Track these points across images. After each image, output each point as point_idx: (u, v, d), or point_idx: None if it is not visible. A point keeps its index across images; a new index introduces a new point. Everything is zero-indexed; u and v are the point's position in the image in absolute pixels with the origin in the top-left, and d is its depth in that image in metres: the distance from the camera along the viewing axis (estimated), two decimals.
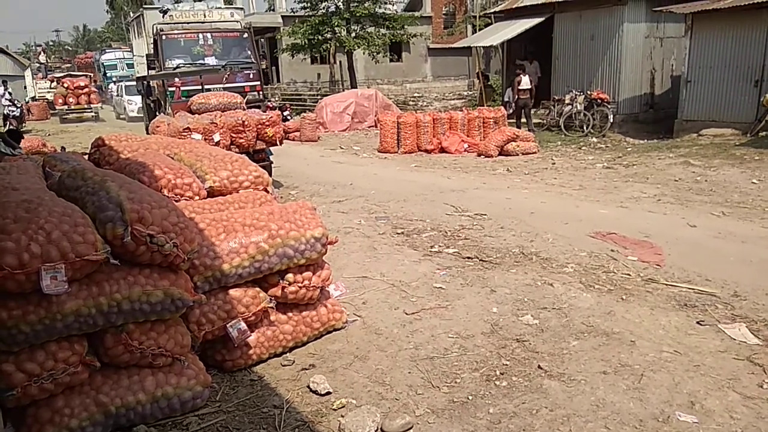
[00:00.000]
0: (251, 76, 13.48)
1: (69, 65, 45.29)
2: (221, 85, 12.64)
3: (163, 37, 12.80)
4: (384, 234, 6.34)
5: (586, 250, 5.54)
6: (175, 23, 13.84)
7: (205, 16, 14.23)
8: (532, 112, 15.60)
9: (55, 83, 26.44)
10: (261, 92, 13.96)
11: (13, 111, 19.45)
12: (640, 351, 3.61)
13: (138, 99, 19.15)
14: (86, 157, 4.97)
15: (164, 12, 14.30)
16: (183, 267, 3.10)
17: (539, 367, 3.46)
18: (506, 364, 3.52)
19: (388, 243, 6.00)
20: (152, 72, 13.21)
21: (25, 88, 29.11)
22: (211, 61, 13.13)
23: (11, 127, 18.76)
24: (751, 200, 7.49)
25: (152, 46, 13.45)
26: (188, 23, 14.03)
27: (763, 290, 4.50)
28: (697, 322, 4.00)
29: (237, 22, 15.01)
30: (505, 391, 3.23)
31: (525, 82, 14.78)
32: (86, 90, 25.02)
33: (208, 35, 13.46)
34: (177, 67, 12.40)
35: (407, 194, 8.27)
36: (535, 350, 3.68)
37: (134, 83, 19.89)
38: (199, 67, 12.52)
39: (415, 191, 8.49)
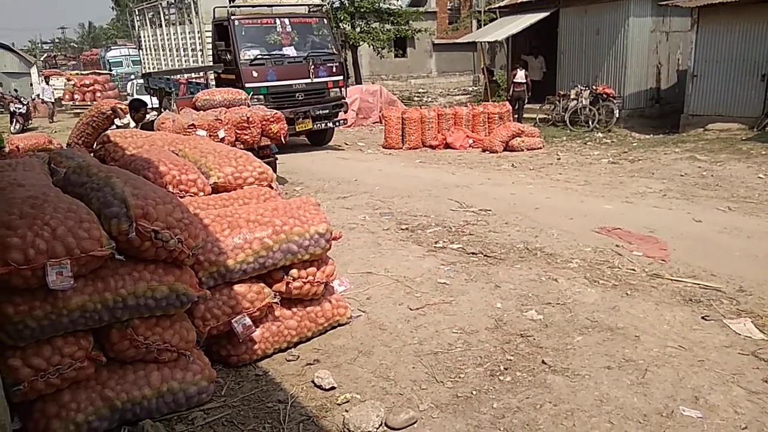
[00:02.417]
0: (334, 69, 12.04)
1: (74, 62, 45.41)
2: (305, 81, 11.51)
3: (236, 23, 11.17)
4: (388, 230, 6.34)
5: (591, 246, 5.53)
6: (247, 6, 11.96)
7: None
8: (538, 107, 15.61)
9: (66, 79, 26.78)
10: (344, 89, 12.49)
11: (19, 108, 19.53)
12: (645, 346, 3.60)
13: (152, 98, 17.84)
14: (92, 153, 4.99)
15: None
16: (188, 263, 3.12)
17: (543, 362, 3.47)
18: (510, 359, 3.52)
19: (393, 239, 6.00)
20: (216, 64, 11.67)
21: (31, 85, 29.19)
22: (289, 51, 11.58)
23: (18, 125, 18.89)
24: (758, 195, 7.45)
25: (213, 34, 11.89)
26: (261, 6, 12.15)
27: None
28: (702, 317, 3.99)
29: (316, 6, 13.13)
30: (509, 386, 3.24)
31: (520, 75, 15.14)
32: (92, 87, 26.04)
33: (286, 21, 11.69)
34: (255, 59, 11.12)
35: (412, 190, 8.26)
36: (540, 345, 3.68)
37: (141, 82, 18.91)
38: (280, 59, 11.34)
39: (420, 187, 8.48)
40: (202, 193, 4.07)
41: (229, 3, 11.90)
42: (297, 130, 11.57)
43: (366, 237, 6.07)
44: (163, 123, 7.49)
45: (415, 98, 23.55)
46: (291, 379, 3.43)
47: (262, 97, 11.01)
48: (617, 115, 13.89)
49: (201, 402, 3.12)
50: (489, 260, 5.25)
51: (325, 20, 12.38)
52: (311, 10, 12.79)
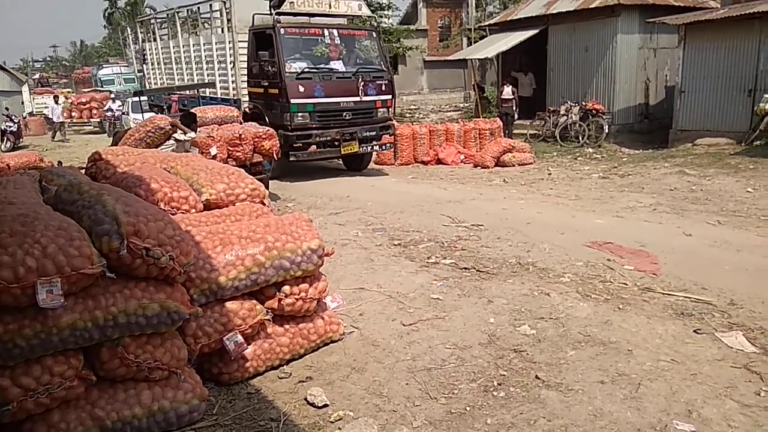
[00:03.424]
0: (383, 87, 10.97)
1: (66, 80, 45.43)
2: (354, 99, 10.48)
3: (281, 31, 10.07)
4: (381, 245, 6.34)
5: (583, 260, 5.55)
6: (292, 12, 10.65)
7: (330, 7, 10.97)
8: (528, 123, 15.77)
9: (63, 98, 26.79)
10: (391, 108, 11.44)
11: (10, 126, 19.49)
12: (638, 360, 3.61)
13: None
14: (83, 171, 4.98)
15: None
16: (179, 280, 3.10)
17: (537, 377, 3.46)
18: (504, 375, 3.51)
19: (385, 254, 6.00)
20: (254, 81, 10.78)
21: (22, 103, 29.13)
22: (338, 65, 10.54)
23: (9, 143, 18.81)
24: (746, 209, 7.52)
25: (250, 43, 10.92)
26: (306, 15, 11.00)
27: (759, 298, 4.51)
28: (694, 331, 4.00)
29: (368, 17, 12.21)
30: (503, 402, 3.23)
31: (507, 92, 15.58)
32: (88, 105, 26.57)
33: (335, 32, 10.64)
34: (302, 73, 10.08)
35: (404, 205, 8.28)
36: (533, 360, 3.67)
37: (142, 100, 17.67)
38: (328, 73, 10.33)
39: (412, 202, 8.51)
40: (194, 210, 4.06)
41: (271, 10, 10.57)
42: (342, 152, 10.92)
43: (358, 253, 6.07)
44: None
45: (407, 115, 23.68)
46: (283, 396, 3.40)
47: (307, 114, 10.23)
48: (607, 131, 14.04)
49: (192, 421, 3.08)
50: (481, 275, 5.26)
51: (374, 33, 11.44)
52: (361, 21, 12.03)
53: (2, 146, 18.43)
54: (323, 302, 3.99)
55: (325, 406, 3.25)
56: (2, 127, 19.59)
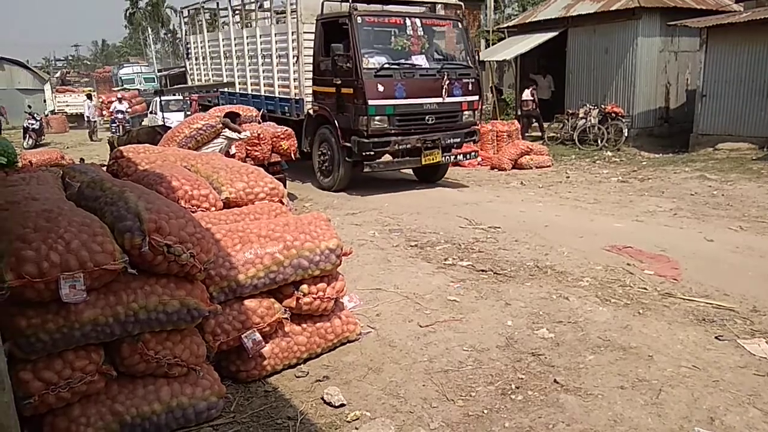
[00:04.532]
0: (470, 87, 9.51)
1: (87, 79, 46.04)
2: (437, 100, 9.09)
3: (358, 20, 8.66)
4: (397, 246, 6.33)
5: (602, 264, 5.49)
6: (368, 0, 9.51)
7: None
8: (547, 126, 15.69)
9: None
10: (477, 111, 10.02)
11: (32, 124, 19.78)
12: (658, 366, 3.56)
13: (177, 116, 15.43)
14: (104, 168, 5.03)
15: None
16: (199, 277, 3.12)
17: (555, 381, 3.43)
18: (522, 378, 3.49)
19: (402, 255, 5.99)
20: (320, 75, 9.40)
21: (45, 101, 29.58)
22: (420, 60, 9.09)
23: (31, 140, 19.10)
24: None
25: (317, 35, 9.53)
26: (384, 2, 9.82)
27: None
28: (716, 337, 3.94)
29: (453, 6, 10.62)
30: (521, 405, 3.20)
31: (526, 94, 15.49)
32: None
33: (418, 22, 9.17)
34: (381, 69, 8.66)
35: (420, 207, 8.26)
36: (551, 364, 3.64)
37: (171, 99, 17.05)
38: (410, 70, 8.91)
39: (429, 204, 8.48)
40: (213, 208, 4.09)
41: None
42: (423, 163, 9.38)
43: (375, 253, 6.06)
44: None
45: None
46: (300, 395, 3.41)
47: (386, 118, 8.77)
48: (626, 134, 13.89)
49: (210, 418, 3.10)
50: (499, 278, 5.23)
51: (459, 24, 9.92)
52: (447, 9, 10.51)
53: (24, 143, 18.71)
54: (340, 302, 4.00)
55: (342, 405, 3.25)
56: (24, 125, 19.90)
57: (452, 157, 9.89)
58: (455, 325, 4.24)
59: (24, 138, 19.43)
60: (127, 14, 60.93)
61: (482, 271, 5.42)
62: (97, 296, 2.73)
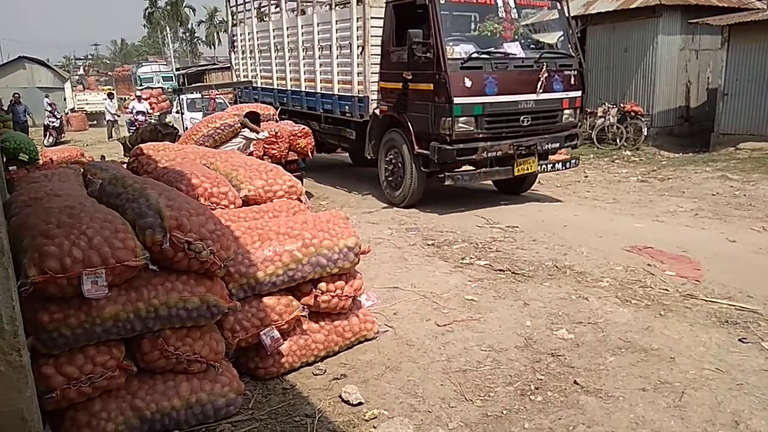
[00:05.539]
0: (572, 81, 7.96)
1: (107, 78, 46.57)
2: (532, 96, 7.55)
3: (441, 1, 7.24)
4: (414, 245, 6.31)
5: (622, 264, 5.43)
6: None
7: None
8: None
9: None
10: (579, 109, 8.38)
11: (53, 122, 20.03)
12: (681, 368, 3.51)
13: (200, 116, 13.94)
14: (125, 166, 5.08)
15: None
16: (219, 274, 3.13)
17: (575, 382, 3.39)
18: (541, 379, 3.45)
19: (419, 254, 5.97)
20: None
21: (65, 99, 29.97)
22: (514, 49, 7.59)
23: (51, 138, 19.36)
24: None
25: (388, 21, 8.03)
26: None
27: None
28: (739, 340, 3.87)
29: None
30: (541, 406, 3.17)
31: None
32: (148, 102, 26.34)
33: (511, 2, 7.70)
34: (468, 59, 7.19)
35: (437, 205, 8.23)
36: (571, 365, 3.60)
37: (195, 98, 16.30)
38: (502, 60, 7.45)
39: (445, 202, 8.44)
40: (233, 206, 4.10)
41: None
42: (516, 173, 7.81)
43: (392, 252, 6.05)
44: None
45: None
46: (318, 393, 3.41)
47: (473, 120, 7.28)
48: (645, 133, 13.71)
49: (229, 414, 3.11)
50: (517, 277, 5.19)
51: (559, 4, 8.31)
52: None
53: (45, 141, 18.96)
54: (358, 300, 3.99)
55: (360, 404, 3.24)
56: (45, 123, 20.17)
57: (549, 166, 8.26)
58: (473, 325, 4.22)
59: (44, 136, 19.69)
60: (146, 13, 61.61)
61: (500, 270, 5.39)
62: (119, 292, 2.75)
